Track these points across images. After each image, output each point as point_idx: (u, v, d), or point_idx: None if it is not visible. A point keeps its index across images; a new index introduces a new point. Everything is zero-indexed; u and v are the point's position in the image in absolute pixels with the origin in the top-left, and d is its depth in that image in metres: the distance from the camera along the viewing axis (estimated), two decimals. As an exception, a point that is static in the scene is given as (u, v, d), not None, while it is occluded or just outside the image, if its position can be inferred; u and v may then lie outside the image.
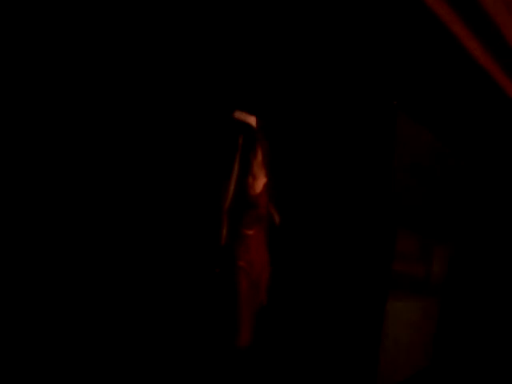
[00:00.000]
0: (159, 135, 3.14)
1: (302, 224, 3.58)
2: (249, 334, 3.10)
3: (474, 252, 5.01)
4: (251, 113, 3.13)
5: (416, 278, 4.38)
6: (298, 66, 3.54)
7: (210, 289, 3.09)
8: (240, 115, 3.14)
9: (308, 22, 3.48)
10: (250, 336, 3.11)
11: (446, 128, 4.55)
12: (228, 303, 3.07)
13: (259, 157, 3.16)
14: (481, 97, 4.53)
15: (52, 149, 2.76)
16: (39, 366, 2.72)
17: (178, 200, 3.23)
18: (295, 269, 3.54)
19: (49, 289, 2.76)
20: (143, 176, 3.10)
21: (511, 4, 3.83)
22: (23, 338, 2.69)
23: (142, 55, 3.03)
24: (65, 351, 2.80)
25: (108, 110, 2.95)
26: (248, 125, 3.14)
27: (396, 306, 3.88)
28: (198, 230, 3.16)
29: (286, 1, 3.34)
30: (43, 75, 2.70)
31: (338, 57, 3.64)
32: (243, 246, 3.12)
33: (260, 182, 3.18)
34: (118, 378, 2.93)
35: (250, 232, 3.14)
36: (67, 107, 2.78)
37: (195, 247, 3.17)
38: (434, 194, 4.40)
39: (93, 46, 2.83)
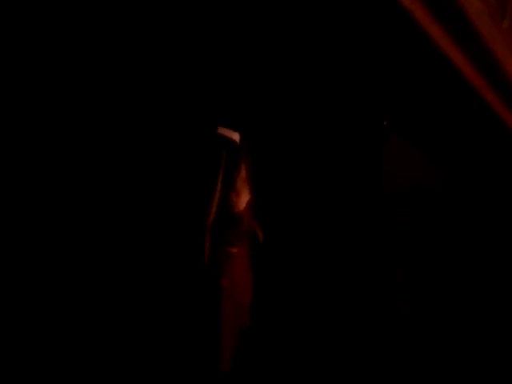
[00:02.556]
0: (139, 151, 3.07)
1: (287, 242, 3.49)
2: (231, 357, 3.00)
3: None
4: (235, 129, 3.08)
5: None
6: (284, 81, 3.49)
7: (191, 309, 3.00)
8: (223, 131, 3.09)
9: (293, 39, 3.45)
10: (232, 360, 3.00)
11: (439, 150, 4.49)
12: (210, 324, 2.97)
13: (243, 173, 3.09)
14: (473, 116, 4.47)
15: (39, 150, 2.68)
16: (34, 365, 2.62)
17: (159, 218, 3.16)
18: (280, 288, 3.44)
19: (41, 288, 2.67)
20: (122, 193, 3.03)
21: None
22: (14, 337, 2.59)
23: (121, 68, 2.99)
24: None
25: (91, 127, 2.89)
26: (231, 141, 3.09)
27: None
28: (181, 248, 3.07)
29: (269, 17, 3.30)
30: (39, 75, 2.63)
31: (326, 73, 3.60)
32: (226, 264, 3.04)
33: (244, 199, 3.10)
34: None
35: (234, 250, 3.06)
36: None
37: (177, 266, 3.08)
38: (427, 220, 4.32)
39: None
